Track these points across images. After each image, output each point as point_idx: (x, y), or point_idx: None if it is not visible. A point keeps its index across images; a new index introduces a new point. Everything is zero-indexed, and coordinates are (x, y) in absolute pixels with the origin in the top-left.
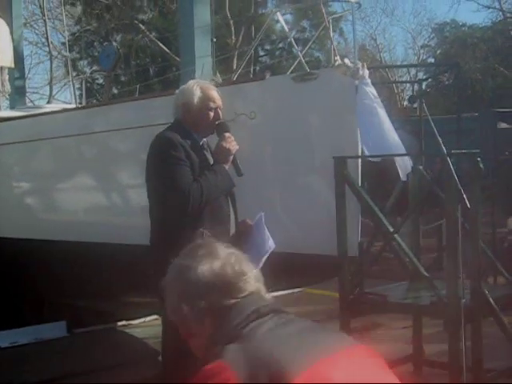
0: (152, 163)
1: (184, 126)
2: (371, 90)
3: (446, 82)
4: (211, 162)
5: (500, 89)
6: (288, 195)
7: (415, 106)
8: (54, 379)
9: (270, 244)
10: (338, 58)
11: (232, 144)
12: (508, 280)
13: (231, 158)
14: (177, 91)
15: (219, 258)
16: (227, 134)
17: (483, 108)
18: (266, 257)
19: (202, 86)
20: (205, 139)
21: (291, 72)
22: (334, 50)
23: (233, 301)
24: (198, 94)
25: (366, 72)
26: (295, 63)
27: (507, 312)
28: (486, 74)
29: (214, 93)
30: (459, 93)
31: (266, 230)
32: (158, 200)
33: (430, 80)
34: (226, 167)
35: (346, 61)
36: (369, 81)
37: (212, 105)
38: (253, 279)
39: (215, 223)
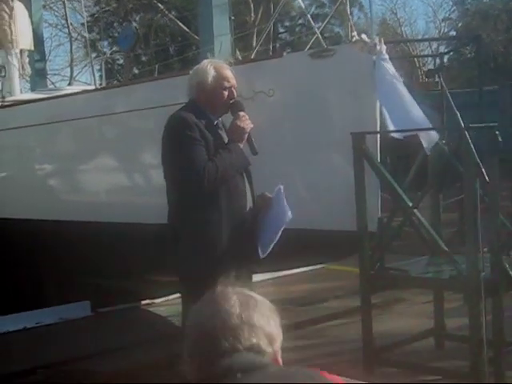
0: (167, 143)
1: (198, 105)
2: (389, 66)
3: (468, 55)
4: (226, 142)
5: None
6: (307, 172)
7: (437, 79)
8: (80, 358)
9: (289, 215)
10: (355, 33)
11: (246, 123)
12: None
13: (246, 136)
14: (191, 71)
15: (220, 311)
16: (241, 113)
17: (504, 81)
18: (283, 228)
19: (215, 65)
20: (220, 119)
21: (309, 48)
22: (352, 25)
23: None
24: (211, 73)
25: (384, 47)
26: (313, 39)
27: None
28: (509, 46)
29: (228, 72)
30: (481, 66)
31: (285, 201)
32: (173, 180)
33: (451, 53)
34: (241, 146)
35: (363, 36)
36: (386, 56)
37: (226, 84)
38: (246, 336)
39: (231, 201)
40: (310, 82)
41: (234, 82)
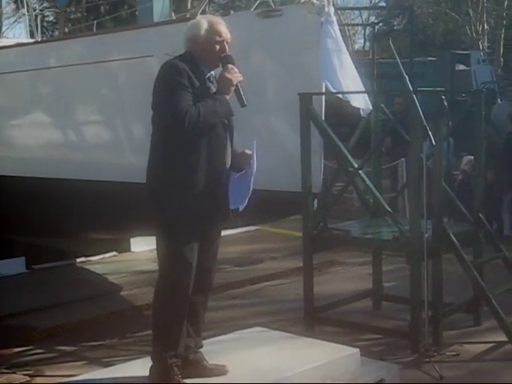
0: (156, 87)
1: (193, 57)
2: (335, 28)
3: (397, 27)
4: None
5: (450, 34)
6: (252, 131)
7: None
8: (16, 314)
9: (254, 169)
10: None
11: (234, 75)
12: (464, 218)
13: (232, 88)
14: (187, 24)
15: None
16: (230, 66)
17: (438, 51)
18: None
19: (209, 20)
20: (212, 72)
21: (255, 8)
22: None
23: None
24: (205, 27)
25: (332, 9)
26: None
27: (464, 250)
28: (438, 19)
29: (221, 26)
30: (412, 36)
31: (255, 156)
32: (157, 122)
33: (381, 24)
34: (227, 97)
35: None
36: (334, 19)
37: (218, 38)
38: None
39: (211, 151)
40: (256, 41)
41: (226, 36)
